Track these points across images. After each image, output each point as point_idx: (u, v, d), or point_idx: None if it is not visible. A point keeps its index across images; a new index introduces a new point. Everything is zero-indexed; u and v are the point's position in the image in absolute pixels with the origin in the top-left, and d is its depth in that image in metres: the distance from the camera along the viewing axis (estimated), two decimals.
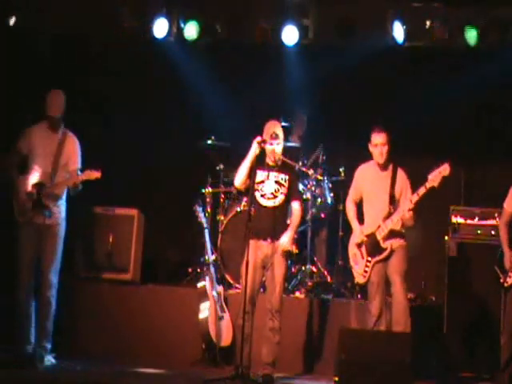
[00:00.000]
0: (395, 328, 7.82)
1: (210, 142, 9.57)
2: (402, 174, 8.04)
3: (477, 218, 8.81)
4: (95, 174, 8.12)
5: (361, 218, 8.14)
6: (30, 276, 8.19)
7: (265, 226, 7.79)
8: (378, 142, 7.97)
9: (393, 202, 7.94)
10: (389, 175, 8.02)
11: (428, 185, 7.73)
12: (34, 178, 8.16)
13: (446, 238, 8.81)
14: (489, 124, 9.78)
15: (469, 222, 8.82)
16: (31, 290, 8.20)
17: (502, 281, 7.82)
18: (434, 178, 7.69)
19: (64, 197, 8.26)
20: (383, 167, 8.04)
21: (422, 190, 7.76)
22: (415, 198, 7.79)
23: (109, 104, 10.20)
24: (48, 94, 8.24)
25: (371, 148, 8.03)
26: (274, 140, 7.88)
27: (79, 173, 8.18)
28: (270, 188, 7.88)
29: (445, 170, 7.69)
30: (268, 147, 7.86)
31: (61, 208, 8.26)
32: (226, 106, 9.97)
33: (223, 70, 10.00)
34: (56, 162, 8.19)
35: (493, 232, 8.62)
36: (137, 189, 10.03)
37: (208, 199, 9.56)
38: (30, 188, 8.13)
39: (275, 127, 7.94)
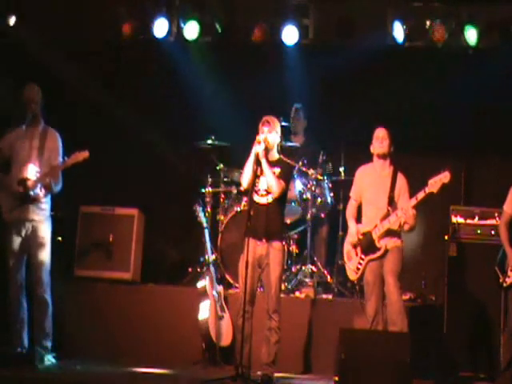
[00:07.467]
0: (391, 328, 7.82)
1: (210, 141, 9.57)
2: (402, 177, 8.08)
3: (477, 218, 8.80)
4: (83, 155, 8.05)
5: (359, 220, 8.15)
6: (20, 275, 8.20)
7: (259, 226, 7.74)
8: (380, 135, 8.04)
9: (391, 203, 7.98)
10: (389, 177, 8.05)
11: (427, 190, 7.77)
12: (17, 175, 8.14)
13: (446, 237, 8.81)
14: (489, 124, 9.77)
15: (469, 221, 8.81)
16: (22, 289, 8.21)
17: (500, 281, 7.83)
18: (434, 183, 7.74)
19: (49, 196, 8.25)
20: (383, 167, 8.06)
21: (420, 195, 7.80)
22: (413, 201, 7.83)
23: (109, 104, 10.19)
24: (23, 88, 8.22)
25: (372, 144, 8.06)
26: (265, 126, 7.83)
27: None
28: (263, 184, 7.84)
29: (445, 177, 7.74)
30: (260, 136, 7.80)
31: (45, 205, 8.24)
32: (226, 105, 9.97)
33: (223, 69, 10.01)
34: (39, 157, 8.16)
35: (493, 232, 8.61)
36: (137, 189, 10.04)
37: (208, 199, 9.56)
38: (15, 186, 8.12)
39: (268, 117, 7.90)
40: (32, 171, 8.13)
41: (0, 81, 9.49)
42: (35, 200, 8.12)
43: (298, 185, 9.43)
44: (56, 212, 8.47)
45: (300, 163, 9.41)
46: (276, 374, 7.86)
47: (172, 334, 8.92)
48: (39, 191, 8.12)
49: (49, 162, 8.20)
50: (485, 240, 8.70)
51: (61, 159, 8.21)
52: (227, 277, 9.18)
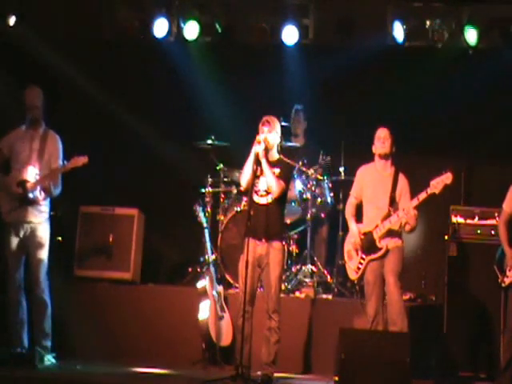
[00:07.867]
0: (391, 328, 7.81)
1: (209, 141, 9.57)
2: (403, 177, 8.08)
3: (477, 218, 8.80)
4: (82, 160, 8.05)
5: (360, 219, 8.15)
6: (19, 275, 8.19)
7: (259, 226, 7.74)
8: (381, 135, 8.05)
9: (393, 203, 7.97)
10: (390, 177, 8.05)
11: (429, 191, 7.77)
12: (17, 176, 8.13)
13: (446, 237, 8.81)
14: (489, 124, 9.77)
15: (469, 221, 8.82)
16: (21, 290, 8.21)
17: (499, 281, 7.84)
18: (436, 184, 7.74)
19: (48, 198, 8.25)
20: (384, 168, 8.07)
21: (422, 196, 7.80)
22: (415, 202, 7.83)
23: (108, 104, 10.19)
24: (25, 90, 8.21)
25: (374, 144, 8.07)
26: (265, 126, 7.83)
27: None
28: (263, 184, 7.84)
29: (447, 178, 7.74)
30: (260, 136, 7.80)
31: (44, 208, 8.24)
32: (226, 105, 9.97)
33: (223, 69, 10.01)
34: (39, 159, 8.16)
35: (493, 232, 8.61)
36: (137, 189, 10.04)
37: (208, 199, 9.55)
38: (14, 187, 8.11)
39: (268, 117, 7.89)
40: (32, 173, 8.12)
41: (0, 81, 9.50)
42: (34, 202, 8.11)
43: (298, 185, 9.43)
44: (55, 212, 8.47)
45: (300, 163, 9.41)
46: (276, 374, 7.86)
47: (172, 334, 8.92)
48: (38, 194, 8.11)
49: (48, 164, 8.19)
50: (485, 240, 8.70)
51: (61, 162, 8.21)
52: (227, 277, 9.18)
